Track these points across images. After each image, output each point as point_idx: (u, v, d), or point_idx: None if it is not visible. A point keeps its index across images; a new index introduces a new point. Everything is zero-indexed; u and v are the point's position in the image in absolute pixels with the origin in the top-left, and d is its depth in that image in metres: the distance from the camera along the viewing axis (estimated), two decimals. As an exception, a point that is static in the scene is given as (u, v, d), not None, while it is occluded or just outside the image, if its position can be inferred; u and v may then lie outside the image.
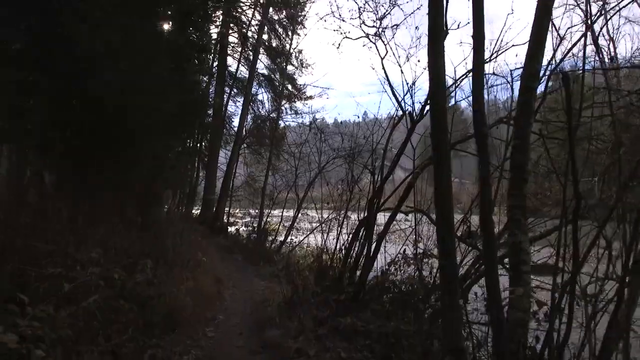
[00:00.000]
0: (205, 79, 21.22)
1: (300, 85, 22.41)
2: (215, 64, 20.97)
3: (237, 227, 18.08)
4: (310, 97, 22.28)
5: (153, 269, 5.78)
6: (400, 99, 6.47)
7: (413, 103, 6.35)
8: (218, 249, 13.99)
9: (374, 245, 6.14)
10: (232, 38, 21.26)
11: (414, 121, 6.07)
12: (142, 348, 4.07)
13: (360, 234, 6.57)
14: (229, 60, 21.39)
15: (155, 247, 6.78)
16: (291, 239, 13.76)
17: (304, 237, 12.58)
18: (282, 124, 22.06)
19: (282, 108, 22.16)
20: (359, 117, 10.60)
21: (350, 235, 6.72)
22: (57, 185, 7.02)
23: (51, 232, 4.83)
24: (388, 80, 6.67)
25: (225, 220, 18.72)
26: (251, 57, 21.11)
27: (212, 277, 7.80)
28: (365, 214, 6.47)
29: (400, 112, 6.73)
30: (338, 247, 7.06)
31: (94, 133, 6.42)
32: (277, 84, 22.31)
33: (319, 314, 5.69)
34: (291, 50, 21.99)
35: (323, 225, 8.51)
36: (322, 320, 5.53)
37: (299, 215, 13.45)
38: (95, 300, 3.70)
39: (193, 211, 20.98)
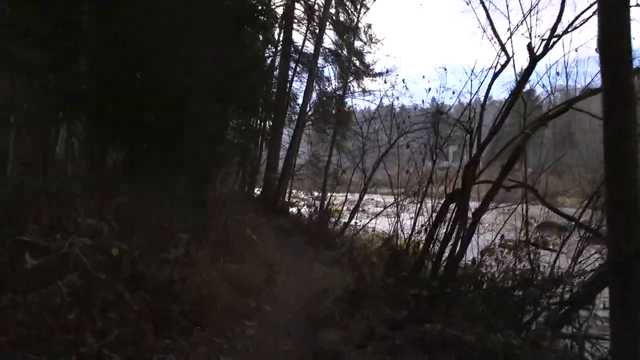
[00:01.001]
0: (269, 52, 20.25)
1: (369, 62, 20.71)
2: (281, 37, 19.95)
3: (299, 207, 16.92)
4: (380, 74, 20.57)
5: (188, 245, 4.63)
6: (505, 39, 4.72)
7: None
8: (276, 230, 12.90)
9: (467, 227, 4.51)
10: (298, 11, 20.03)
11: (534, 58, 4.28)
12: (141, 354, 2.84)
13: (447, 214, 4.97)
14: (296, 36, 20.15)
15: (201, 224, 5.69)
16: (355, 222, 12.33)
17: (369, 220, 11.08)
18: (348, 102, 20.54)
19: (349, 85, 20.61)
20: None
21: (434, 215, 5.12)
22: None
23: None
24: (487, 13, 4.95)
25: (287, 200, 17.68)
26: (317, 31, 19.71)
27: (263, 260, 6.59)
28: (456, 188, 4.84)
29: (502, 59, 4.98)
30: (416, 229, 5.49)
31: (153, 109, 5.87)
32: (344, 59, 20.79)
33: (392, 314, 4.22)
34: (359, 25, 20.34)
35: (396, 204, 6.96)
36: (397, 323, 4.06)
37: (365, 195, 11.93)
38: (70, 281, 2.49)
39: (255, 191, 20.31)
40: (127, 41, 5.47)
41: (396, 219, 6.53)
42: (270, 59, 20.31)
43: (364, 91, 20.39)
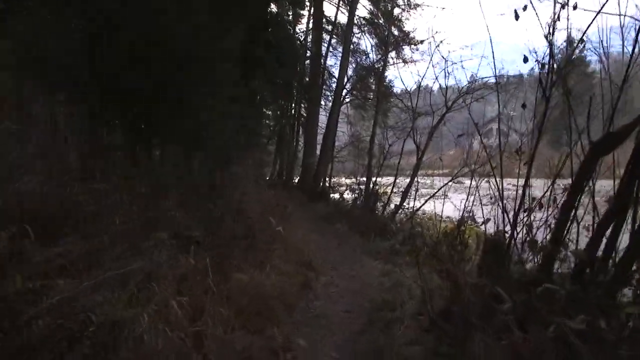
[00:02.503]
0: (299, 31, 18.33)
1: (408, 30, 18.33)
2: (312, 11, 18.00)
3: (340, 192, 15.05)
4: (421, 42, 18.22)
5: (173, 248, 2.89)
6: None
7: None
8: (316, 217, 11.12)
9: None
10: (329, -20, 17.97)
11: None
12: None
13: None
14: (328, 10, 18.11)
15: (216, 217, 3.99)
16: (407, 204, 10.32)
17: (427, 200, 9.06)
18: (388, 76, 18.33)
19: (389, 57, 18.31)
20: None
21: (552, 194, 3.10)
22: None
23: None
24: None
25: (328, 185, 15.88)
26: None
27: (298, 257, 4.80)
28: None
29: None
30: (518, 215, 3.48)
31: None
32: (383, 28, 18.59)
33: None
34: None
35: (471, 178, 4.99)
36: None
37: (418, 171, 9.86)
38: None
39: (295, 180, 18.62)
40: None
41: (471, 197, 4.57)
42: (303, 34, 18.52)
43: (404, 62, 17.89)
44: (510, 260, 3.29)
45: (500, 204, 3.62)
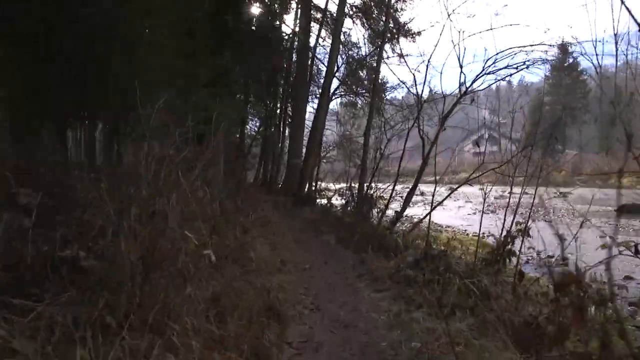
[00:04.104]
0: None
1: (405, 21, 16.40)
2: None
3: (328, 196, 12.96)
4: (418, 33, 16.32)
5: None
6: None
7: None
8: (299, 226, 9.08)
9: None
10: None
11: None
12: None
13: None
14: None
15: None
16: (407, 214, 8.23)
17: (436, 206, 7.02)
18: (382, 72, 16.29)
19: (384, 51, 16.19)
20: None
21: None
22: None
23: None
24: None
25: (314, 189, 13.84)
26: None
27: (250, 299, 2.71)
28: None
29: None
30: None
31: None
32: (375, 19, 16.68)
33: None
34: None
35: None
36: None
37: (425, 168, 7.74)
38: None
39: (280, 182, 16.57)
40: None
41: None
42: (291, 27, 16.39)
43: (400, 56, 15.69)
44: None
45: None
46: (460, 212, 15.04)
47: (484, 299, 3.06)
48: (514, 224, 4.05)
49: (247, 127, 19.79)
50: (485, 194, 4.83)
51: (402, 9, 16.07)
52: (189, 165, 3.02)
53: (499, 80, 6.95)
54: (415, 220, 7.57)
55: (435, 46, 7.49)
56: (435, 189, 6.35)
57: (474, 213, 13.38)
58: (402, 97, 16.13)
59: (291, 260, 5.45)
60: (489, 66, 6.83)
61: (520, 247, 3.87)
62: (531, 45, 6.80)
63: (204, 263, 2.23)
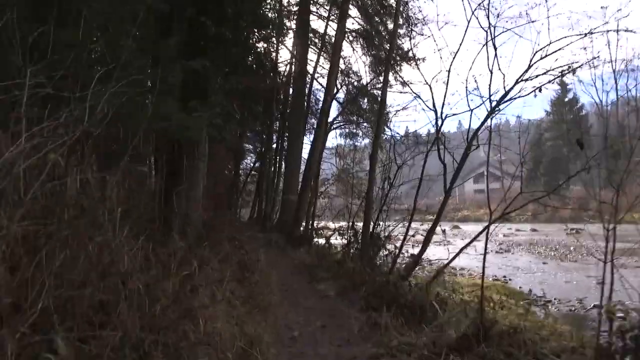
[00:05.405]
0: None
1: (408, 48, 15.08)
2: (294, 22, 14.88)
3: (326, 236, 11.12)
4: (423, 59, 15.00)
5: None
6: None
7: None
8: (291, 270, 7.33)
9: None
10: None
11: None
12: None
13: None
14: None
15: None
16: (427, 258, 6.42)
17: (461, 251, 5.24)
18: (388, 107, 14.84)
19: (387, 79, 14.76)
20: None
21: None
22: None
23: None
24: None
25: (310, 227, 12.07)
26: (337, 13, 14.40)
27: None
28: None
29: None
30: None
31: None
32: (377, 46, 15.48)
33: None
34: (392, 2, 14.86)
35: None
36: None
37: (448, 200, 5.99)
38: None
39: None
40: None
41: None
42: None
43: (403, 83, 14.20)
44: None
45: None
46: (469, 251, 13.26)
47: None
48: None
49: (243, 162, 18.54)
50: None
51: (405, 37, 14.79)
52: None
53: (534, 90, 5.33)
54: (439, 264, 5.80)
55: (456, 53, 5.93)
56: (488, 230, 4.63)
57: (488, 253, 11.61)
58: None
59: (271, 327, 3.67)
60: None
61: None
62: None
63: None
